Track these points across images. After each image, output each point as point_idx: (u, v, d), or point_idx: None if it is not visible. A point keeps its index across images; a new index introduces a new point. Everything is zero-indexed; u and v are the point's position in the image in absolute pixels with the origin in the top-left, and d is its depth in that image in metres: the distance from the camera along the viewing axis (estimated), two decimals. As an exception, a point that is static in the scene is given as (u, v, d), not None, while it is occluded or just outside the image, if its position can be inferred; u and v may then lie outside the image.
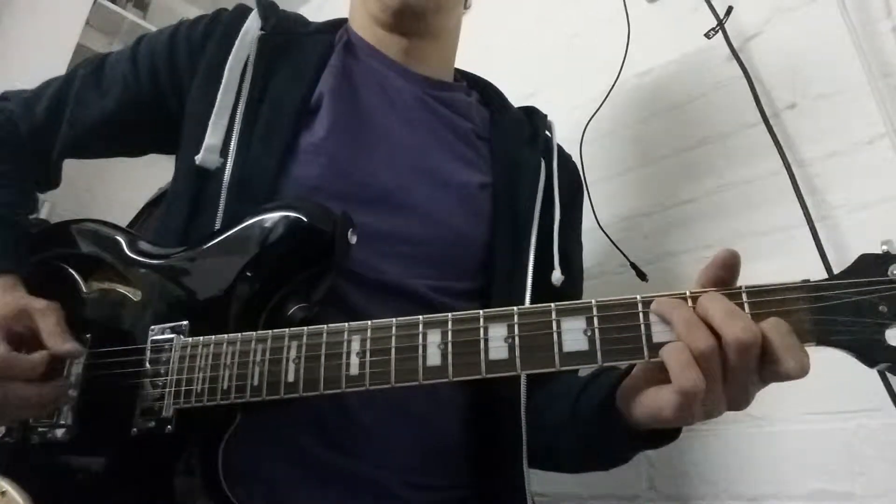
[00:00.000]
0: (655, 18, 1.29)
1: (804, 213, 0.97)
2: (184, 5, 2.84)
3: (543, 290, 0.81)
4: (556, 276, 0.84)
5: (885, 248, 0.51)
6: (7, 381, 0.63)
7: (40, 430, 0.67)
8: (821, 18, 1.04)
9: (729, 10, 1.15)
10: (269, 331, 0.63)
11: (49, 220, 0.87)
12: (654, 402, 0.56)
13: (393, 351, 0.58)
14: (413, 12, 0.86)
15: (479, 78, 1.03)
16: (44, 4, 2.20)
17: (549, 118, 1.00)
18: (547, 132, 0.96)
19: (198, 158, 0.77)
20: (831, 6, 1.02)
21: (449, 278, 0.80)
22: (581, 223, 0.99)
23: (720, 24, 1.14)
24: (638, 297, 0.55)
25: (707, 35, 1.17)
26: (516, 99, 1.40)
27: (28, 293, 0.71)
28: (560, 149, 0.97)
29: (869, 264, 0.51)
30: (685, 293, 0.54)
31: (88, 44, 2.43)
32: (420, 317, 0.59)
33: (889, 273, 0.49)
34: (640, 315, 0.54)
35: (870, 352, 0.49)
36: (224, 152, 0.77)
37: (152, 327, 0.68)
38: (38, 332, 0.66)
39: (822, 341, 0.50)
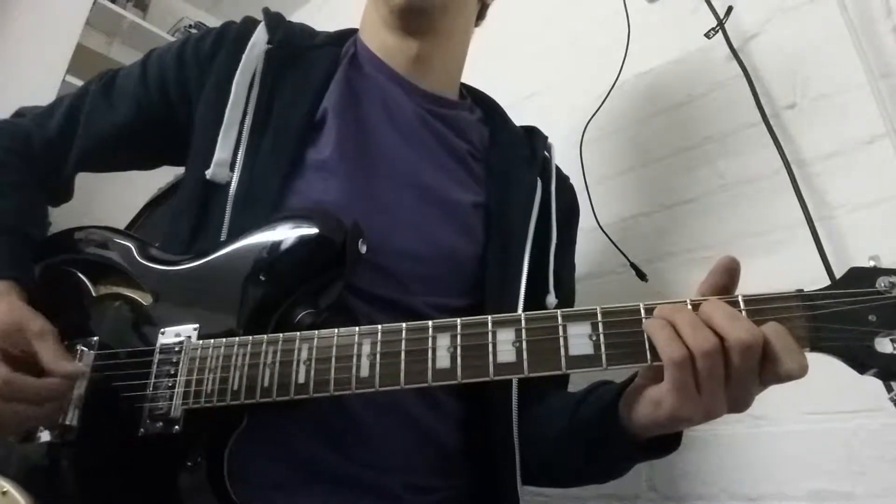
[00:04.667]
0: (655, 18, 1.30)
1: (804, 213, 0.97)
2: (184, 5, 2.85)
3: (535, 310, 0.81)
4: (551, 300, 0.86)
5: (872, 262, 0.54)
6: (11, 402, 0.63)
7: (45, 431, 0.67)
8: (821, 18, 1.05)
9: (729, 10, 1.15)
10: (281, 333, 0.64)
11: (50, 221, 0.88)
12: (653, 395, 0.58)
13: (403, 353, 0.60)
14: (419, 10, 0.86)
15: (483, 94, 1.04)
16: (44, 4, 2.20)
17: (549, 140, 1.00)
18: (546, 153, 0.97)
19: (208, 173, 0.78)
20: (831, 6, 1.02)
21: (444, 295, 0.81)
22: (575, 245, 1.00)
23: (720, 24, 1.14)
24: (640, 304, 0.57)
25: (707, 35, 1.17)
26: (517, 98, 1.41)
27: (31, 299, 0.71)
28: (558, 170, 0.98)
29: (858, 277, 0.54)
30: (686, 301, 0.56)
31: (88, 44, 2.43)
32: (430, 321, 0.61)
33: (877, 285, 0.53)
34: (644, 321, 0.56)
35: (860, 358, 0.52)
36: (231, 166, 0.78)
37: (162, 330, 0.68)
38: (37, 356, 0.65)
39: (816, 347, 0.53)
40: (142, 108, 0.86)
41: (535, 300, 0.85)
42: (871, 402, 0.88)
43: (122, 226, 0.91)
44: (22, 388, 0.63)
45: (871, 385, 0.85)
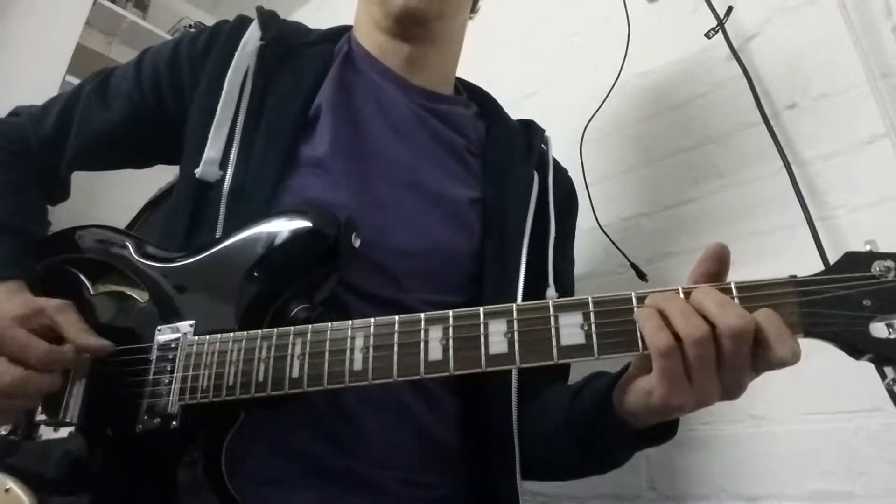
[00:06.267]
0: (655, 18, 1.30)
1: (804, 213, 0.97)
2: (184, 5, 2.85)
3: None
4: (551, 293, 0.86)
5: (868, 247, 0.53)
6: (47, 373, 0.65)
7: (45, 427, 0.68)
8: (821, 18, 1.04)
9: (729, 10, 1.15)
10: (275, 328, 0.64)
11: (51, 221, 0.88)
12: (643, 384, 0.58)
13: (395, 346, 0.60)
14: (415, 18, 0.85)
15: (479, 89, 1.03)
16: (44, 4, 2.20)
17: (546, 133, 1.00)
18: (543, 146, 0.96)
19: (197, 172, 0.78)
20: (831, 6, 1.02)
21: (440, 292, 0.81)
22: (574, 238, 1.00)
23: (720, 24, 1.14)
24: (632, 293, 0.56)
25: (707, 35, 1.17)
26: (516, 98, 1.40)
27: (35, 297, 0.72)
28: (556, 163, 0.97)
29: (854, 261, 0.53)
30: (677, 289, 0.56)
31: (88, 44, 2.43)
32: (422, 314, 0.61)
33: (872, 269, 0.52)
34: (635, 310, 0.56)
35: (855, 343, 0.51)
36: (224, 163, 0.79)
37: (158, 327, 0.69)
38: (60, 330, 0.67)
39: (810, 333, 0.53)
40: (136, 107, 0.87)
41: (535, 294, 0.84)
42: (871, 402, 0.88)
43: (122, 226, 0.91)
44: (56, 360, 0.65)
45: (871, 385, 0.85)
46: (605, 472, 0.78)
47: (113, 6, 2.55)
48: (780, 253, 1.02)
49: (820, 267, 0.90)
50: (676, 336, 0.52)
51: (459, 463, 0.81)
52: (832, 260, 0.91)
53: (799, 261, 0.97)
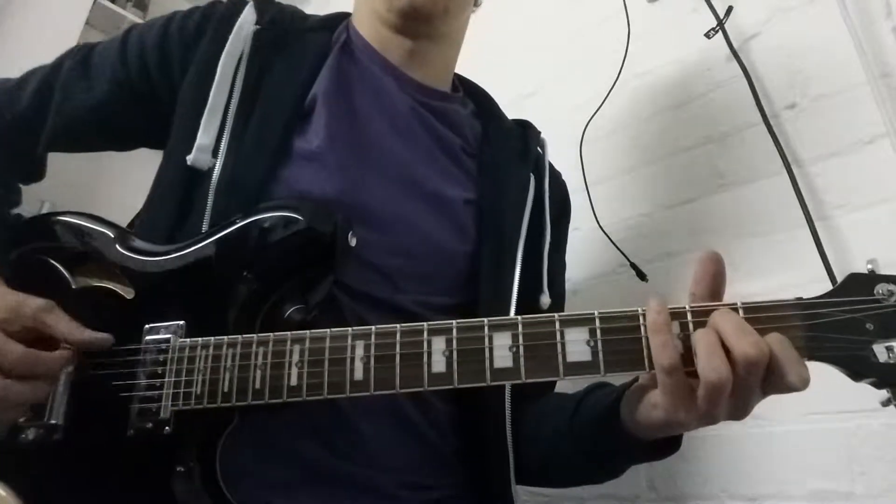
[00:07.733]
0: (655, 18, 1.30)
1: (804, 214, 0.97)
2: (184, 5, 2.84)
3: (528, 310, 0.78)
4: (545, 299, 0.85)
5: (870, 267, 0.54)
6: (28, 382, 0.62)
7: (31, 430, 0.64)
8: (821, 18, 1.04)
9: (729, 10, 1.15)
10: (271, 334, 0.62)
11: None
12: (651, 397, 0.58)
13: (398, 357, 0.58)
14: (420, 15, 0.83)
15: (477, 87, 1.01)
16: (44, 4, 2.20)
17: (542, 135, 0.98)
18: (539, 149, 0.95)
19: (189, 158, 0.74)
20: (831, 6, 1.02)
21: (435, 293, 0.80)
22: (566, 244, 0.99)
23: (720, 24, 1.14)
24: (639, 309, 0.56)
25: (707, 35, 1.17)
26: (516, 98, 1.40)
27: (10, 289, 0.67)
28: (551, 167, 0.96)
29: (856, 284, 0.54)
30: (684, 307, 0.55)
31: (88, 44, 2.43)
32: (425, 323, 0.59)
33: (875, 292, 0.53)
34: (642, 327, 0.55)
35: (857, 367, 0.52)
36: (214, 152, 0.75)
37: (147, 326, 0.66)
38: (49, 330, 0.64)
39: (813, 356, 0.53)
40: (121, 87, 0.82)
41: (528, 299, 0.83)
42: (871, 402, 0.87)
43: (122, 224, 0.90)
44: (36, 363, 0.62)
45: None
46: (603, 481, 0.78)
47: (113, 6, 2.55)
48: (779, 253, 1.02)
49: (819, 267, 0.92)
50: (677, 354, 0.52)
51: (457, 466, 0.80)
52: (832, 260, 0.92)
53: (798, 261, 0.97)
